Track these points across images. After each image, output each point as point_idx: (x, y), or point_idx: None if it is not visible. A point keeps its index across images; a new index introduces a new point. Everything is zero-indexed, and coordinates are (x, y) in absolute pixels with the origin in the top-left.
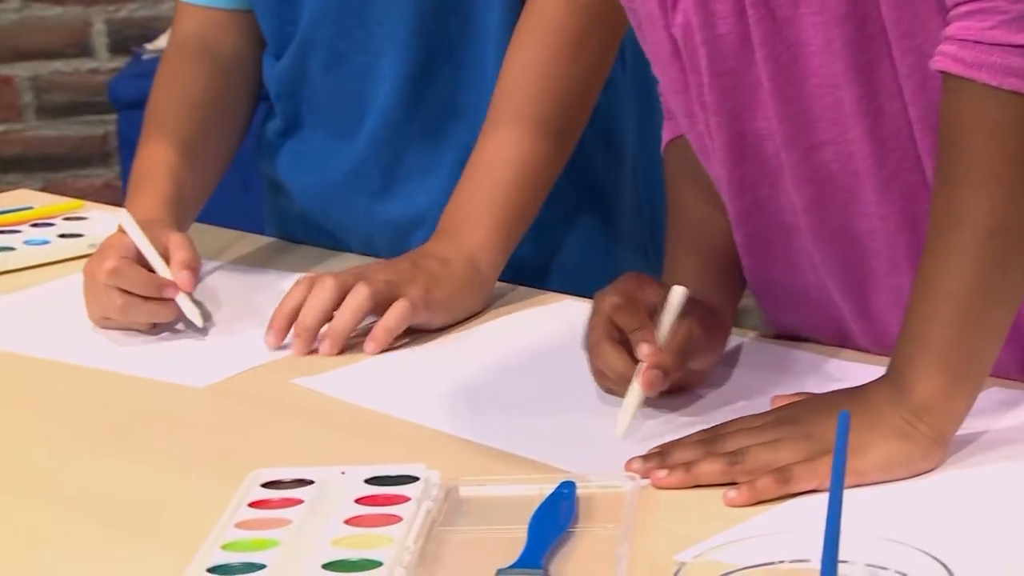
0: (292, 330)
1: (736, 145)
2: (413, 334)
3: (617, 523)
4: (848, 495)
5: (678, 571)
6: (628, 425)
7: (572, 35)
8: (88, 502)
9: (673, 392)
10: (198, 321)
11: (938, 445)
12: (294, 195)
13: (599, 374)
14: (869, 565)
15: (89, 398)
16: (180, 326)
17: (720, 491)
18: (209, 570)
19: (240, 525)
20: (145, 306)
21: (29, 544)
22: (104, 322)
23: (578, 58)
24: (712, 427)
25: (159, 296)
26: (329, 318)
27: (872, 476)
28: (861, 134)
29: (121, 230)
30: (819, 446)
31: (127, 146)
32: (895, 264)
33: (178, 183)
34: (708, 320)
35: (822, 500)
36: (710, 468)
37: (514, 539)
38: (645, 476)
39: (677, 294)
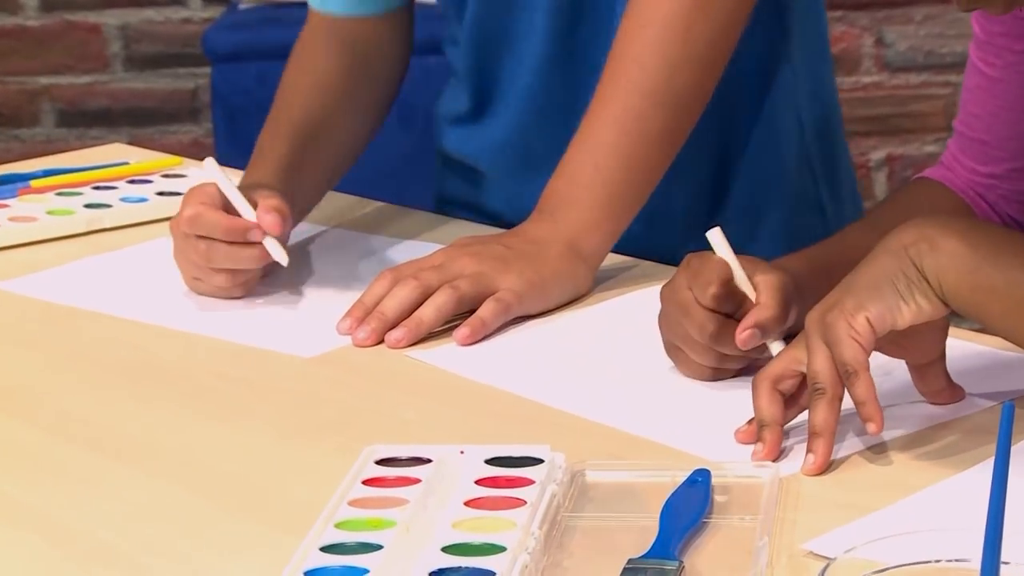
0: (367, 320)
1: None
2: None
3: (754, 515)
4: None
5: (826, 567)
6: None
7: None
8: (192, 475)
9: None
10: (283, 260)
11: None
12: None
13: (705, 370)
14: None
15: (191, 365)
16: (281, 294)
17: (862, 482)
18: (322, 549)
19: (354, 503)
20: (227, 250)
21: (135, 518)
22: (195, 283)
23: (697, 21)
24: (760, 385)
25: (243, 240)
26: (409, 315)
27: None
28: None
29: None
30: (837, 325)
31: (220, 101)
32: None
33: (295, 157)
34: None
35: (961, 489)
36: (823, 417)
37: (644, 528)
38: (769, 458)
39: (715, 236)
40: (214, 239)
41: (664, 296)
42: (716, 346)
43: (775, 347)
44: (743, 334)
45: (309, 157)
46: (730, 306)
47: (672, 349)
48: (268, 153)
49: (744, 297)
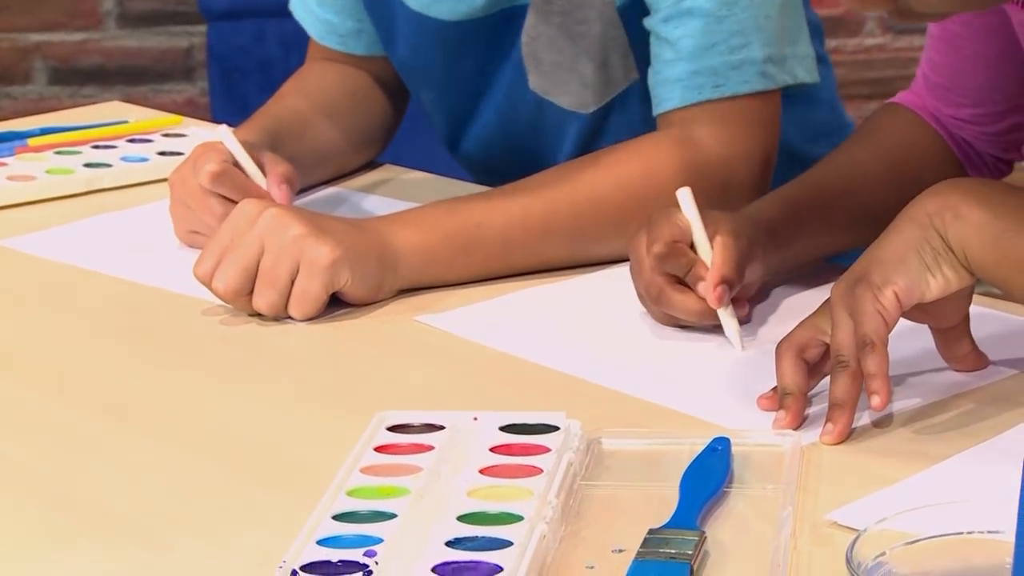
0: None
1: None
2: (547, 273)
3: (776, 483)
4: None
5: (856, 539)
6: (740, 340)
7: None
8: (198, 440)
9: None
10: None
11: None
12: None
13: (669, 319)
14: None
15: (196, 330)
16: None
17: (884, 451)
18: (335, 517)
19: (366, 471)
20: None
21: (140, 484)
22: (192, 237)
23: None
24: (784, 353)
25: None
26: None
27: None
28: None
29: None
30: (864, 298)
31: (216, 60)
32: None
33: (281, 125)
34: (751, 234)
35: (986, 459)
36: (844, 389)
37: (663, 497)
38: (791, 426)
39: (684, 196)
40: (230, 200)
41: (628, 248)
42: (659, 307)
43: (724, 313)
44: (715, 291)
45: (284, 145)
46: (674, 267)
47: (639, 296)
48: (256, 117)
49: (694, 260)
